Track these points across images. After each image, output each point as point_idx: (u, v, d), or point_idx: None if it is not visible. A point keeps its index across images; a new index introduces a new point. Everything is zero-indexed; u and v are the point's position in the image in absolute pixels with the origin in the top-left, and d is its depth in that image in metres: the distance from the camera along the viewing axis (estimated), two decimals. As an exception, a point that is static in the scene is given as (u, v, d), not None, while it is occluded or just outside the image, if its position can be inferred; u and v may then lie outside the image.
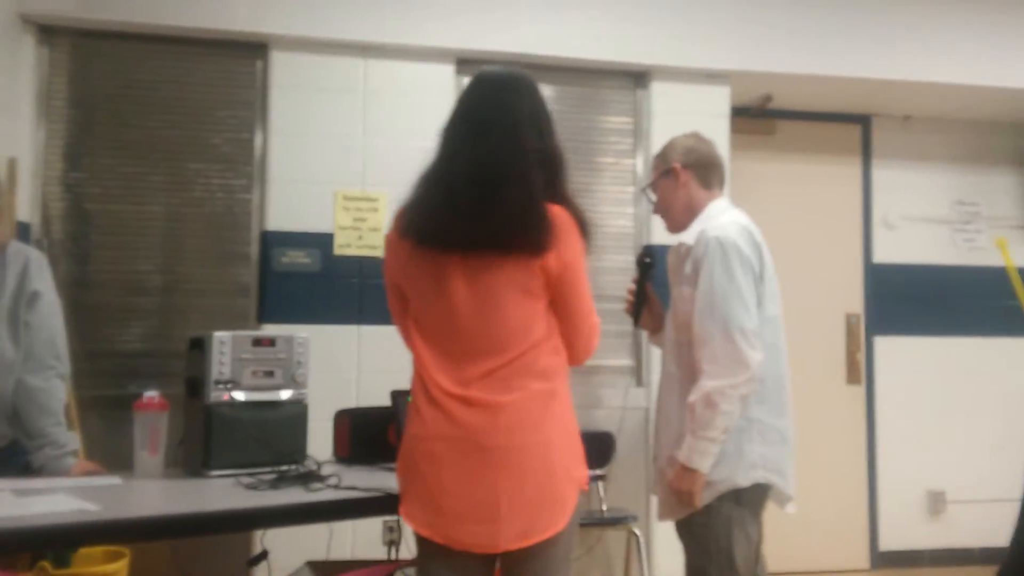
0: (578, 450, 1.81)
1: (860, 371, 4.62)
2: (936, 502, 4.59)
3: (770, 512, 2.33)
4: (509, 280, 1.72)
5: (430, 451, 1.73)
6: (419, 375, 1.80)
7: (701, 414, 2.19)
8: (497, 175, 1.73)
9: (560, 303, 1.79)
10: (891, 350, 4.65)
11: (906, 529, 4.59)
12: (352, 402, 3.40)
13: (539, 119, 1.82)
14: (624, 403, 3.89)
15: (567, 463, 1.76)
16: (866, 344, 4.64)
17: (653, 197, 2.58)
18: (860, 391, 4.62)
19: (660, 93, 4.05)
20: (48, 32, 3.58)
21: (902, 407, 4.61)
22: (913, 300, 4.66)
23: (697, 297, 2.26)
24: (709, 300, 2.23)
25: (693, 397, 2.21)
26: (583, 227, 1.80)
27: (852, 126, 4.74)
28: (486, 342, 1.74)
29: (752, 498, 2.26)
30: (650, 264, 2.61)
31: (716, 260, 2.25)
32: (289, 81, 3.71)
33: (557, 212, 1.75)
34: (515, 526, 1.68)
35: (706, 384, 2.19)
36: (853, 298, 4.66)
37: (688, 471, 2.20)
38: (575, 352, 1.86)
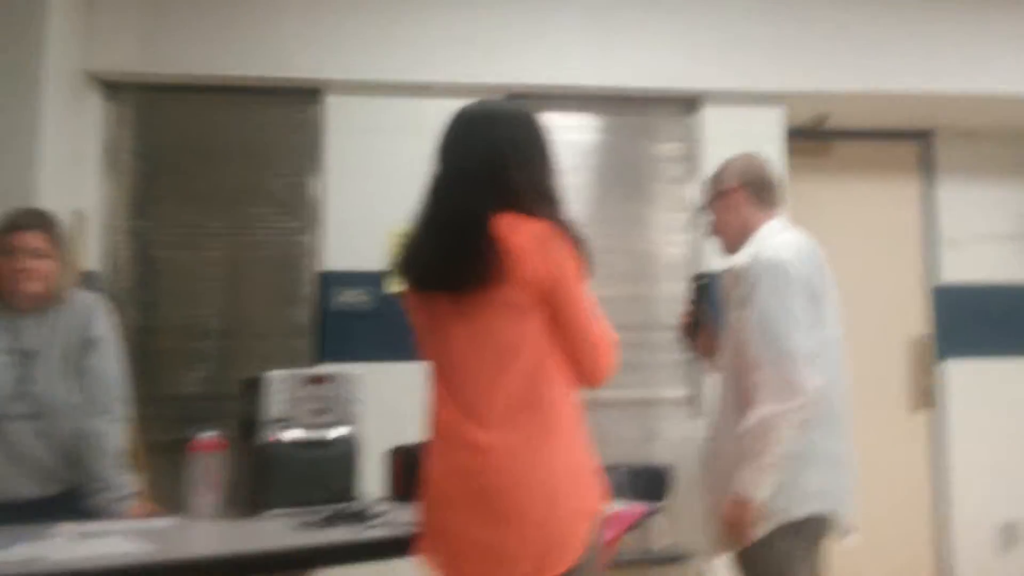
0: (586, 480, 1.75)
1: (929, 396, 4.45)
2: (1011, 534, 4.36)
3: (834, 544, 2.24)
4: (493, 301, 1.70)
5: (440, 492, 1.74)
6: (430, 413, 1.82)
7: (755, 441, 2.13)
8: (445, 217, 1.76)
9: (557, 319, 1.75)
10: (962, 373, 4.45)
11: (979, 563, 4.35)
12: (406, 439, 3.41)
13: (496, 151, 1.78)
14: (682, 434, 3.81)
15: (573, 497, 1.70)
16: (936, 367, 4.47)
17: (709, 218, 2.55)
18: (929, 417, 4.45)
19: (712, 118, 4.01)
20: (113, 88, 3.73)
21: (975, 433, 4.40)
22: (984, 320, 4.47)
23: (751, 320, 2.21)
24: (762, 323, 2.18)
25: (748, 424, 2.14)
26: (573, 241, 1.75)
27: (911, 143, 4.61)
28: (480, 368, 1.73)
29: (810, 530, 2.18)
30: (706, 285, 2.57)
31: (769, 282, 2.20)
32: (343, 124, 3.79)
33: (535, 227, 1.71)
34: (523, 567, 1.65)
35: (761, 410, 2.12)
36: (919, 320, 4.51)
37: (741, 501, 2.14)
38: (581, 372, 1.79)
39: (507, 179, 1.76)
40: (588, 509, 1.73)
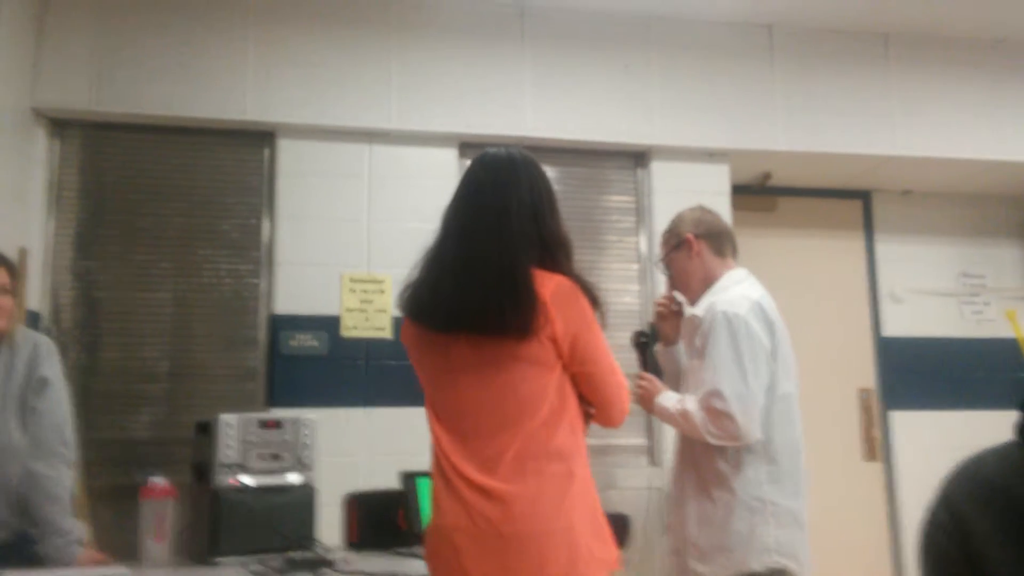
0: (603, 530, 1.76)
1: (877, 447, 4.55)
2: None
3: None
4: (515, 352, 1.70)
5: (451, 543, 1.69)
6: (436, 459, 1.77)
7: (670, 415, 2.36)
8: (482, 261, 1.73)
9: (581, 372, 1.77)
10: (908, 425, 4.57)
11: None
12: (361, 485, 3.34)
13: (536, 202, 1.81)
14: (640, 483, 3.82)
15: (591, 546, 1.70)
16: (882, 419, 4.58)
17: (668, 271, 2.59)
18: (879, 467, 4.54)
19: (660, 172, 4.10)
20: (59, 125, 3.65)
21: (923, 483, 4.46)
22: (926, 374, 4.61)
23: (703, 371, 2.27)
24: (711, 372, 2.23)
25: (680, 407, 2.32)
26: (590, 296, 1.79)
27: (853, 201, 4.79)
28: (496, 418, 1.71)
29: (769, 583, 2.21)
30: (646, 343, 2.62)
31: (722, 334, 2.25)
32: (296, 168, 3.77)
33: (558, 283, 1.73)
34: None
35: (692, 409, 2.27)
36: (865, 372, 4.63)
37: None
38: (609, 416, 1.85)
39: (547, 230, 1.79)
40: (607, 558, 1.73)
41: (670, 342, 2.65)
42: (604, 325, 1.82)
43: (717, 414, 2.20)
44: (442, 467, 1.75)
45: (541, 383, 1.72)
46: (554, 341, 1.70)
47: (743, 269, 2.51)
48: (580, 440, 1.78)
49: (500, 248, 1.73)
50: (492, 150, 1.91)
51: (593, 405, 1.83)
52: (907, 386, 4.60)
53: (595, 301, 1.80)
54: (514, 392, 1.71)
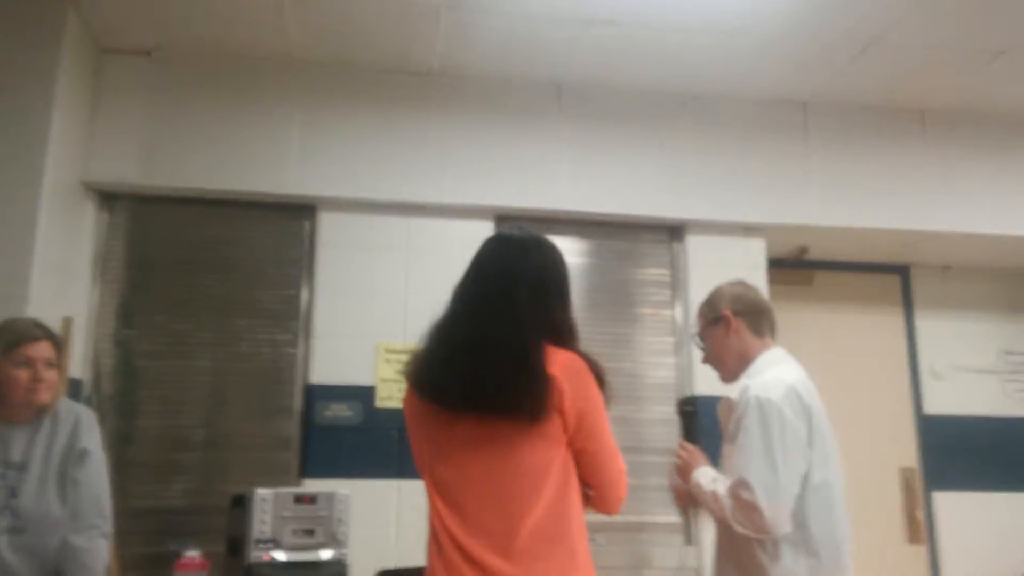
0: None
1: (920, 529, 4.42)
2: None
3: None
4: (526, 429, 1.68)
5: None
6: (435, 533, 1.72)
7: (703, 493, 2.31)
8: (495, 342, 1.72)
9: (586, 451, 1.74)
10: (952, 506, 4.45)
11: None
12: (392, 559, 3.32)
13: (545, 286, 1.81)
14: (675, 562, 3.75)
15: None
16: (925, 500, 4.46)
17: (703, 346, 2.55)
18: (922, 550, 4.40)
19: (696, 245, 4.11)
20: (108, 198, 3.77)
21: (969, 567, 4.35)
22: (969, 453, 4.50)
23: (735, 457, 2.22)
24: (741, 461, 2.19)
25: (712, 488, 2.28)
26: (597, 375, 1.77)
27: (891, 276, 4.75)
28: (503, 493, 1.68)
29: None
30: (692, 412, 2.57)
31: (754, 421, 2.19)
32: (335, 240, 3.84)
33: (569, 358, 1.73)
34: None
35: (722, 494, 2.23)
36: (907, 451, 4.52)
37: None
38: (606, 501, 1.81)
39: (549, 310, 1.79)
40: None
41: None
42: (609, 404, 1.80)
43: (744, 504, 2.14)
44: (440, 541, 1.70)
45: (548, 457, 1.69)
46: (562, 414, 1.69)
47: (780, 349, 2.46)
48: (582, 519, 1.74)
49: (511, 330, 1.73)
50: (505, 231, 1.93)
51: (592, 487, 1.79)
52: (950, 466, 4.49)
53: (601, 381, 1.78)
54: (522, 467, 1.68)
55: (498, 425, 1.69)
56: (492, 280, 1.82)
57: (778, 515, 2.11)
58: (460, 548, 1.67)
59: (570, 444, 1.73)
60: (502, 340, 1.72)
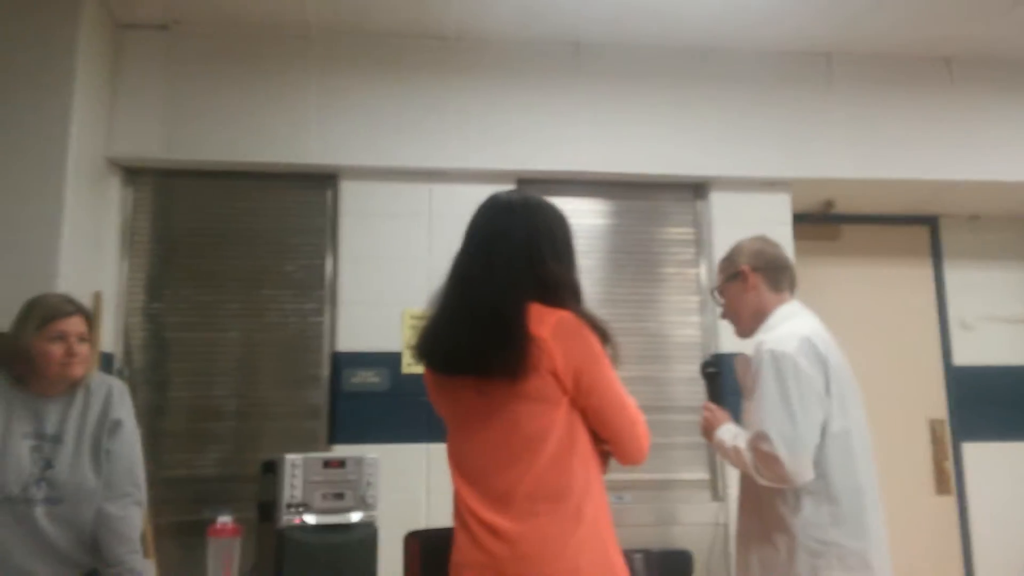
0: (616, 572, 1.72)
1: (949, 480, 4.40)
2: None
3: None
4: (518, 390, 1.70)
5: None
6: (454, 498, 1.79)
7: (726, 450, 2.34)
8: (474, 304, 1.75)
9: (589, 407, 1.76)
10: (980, 457, 4.42)
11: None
12: (422, 522, 3.37)
13: (533, 243, 1.81)
14: (702, 518, 3.77)
15: None
16: (954, 451, 4.44)
17: (721, 301, 2.56)
18: (951, 501, 4.40)
19: (720, 203, 4.08)
20: (133, 173, 3.81)
21: (997, 518, 4.35)
22: (999, 403, 4.46)
23: (754, 411, 2.24)
24: (758, 414, 2.20)
25: (734, 444, 2.31)
26: (597, 330, 1.78)
27: (919, 227, 4.68)
28: (503, 455, 1.72)
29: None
30: (715, 373, 2.58)
31: (769, 375, 2.21)
32: (357, 208, 3.85)
33: (560, 317, 1.73)
34: None
35: (743, 448, 2.25)
36: (936, 403, 4.49)
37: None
38: (623, 452, 1.82)
39: (543, 270, 1.79)
40: None
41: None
42: (615, 359, 1.80)
43: (764, 456, 2.15)
44: (458, 506, 1.77)
45: (547, 419, 1.71)
46: (556, 376, 1.70)
47: (795, 303, 2.46)
48: (593, 478, 1.75)
49: (490, 290, 1.74)
50: (501, 193, 1.92)
51: (606, 441, 1.81)
52: (979, 417, 4.45)
53: (603, 335, 1.79)
54: (519, 429, 1.71)
55: (493, 388, 1.72)
56: (477, 244, 1.84)
57: (798, 465, 2.13)
58: (471, 510, 1.72)
59: (574, 404, 1.74)
60: (480, 301, 1.74)
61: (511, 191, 1.94)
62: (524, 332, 1.69)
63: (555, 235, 1.86)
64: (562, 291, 1.80)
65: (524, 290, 1.75)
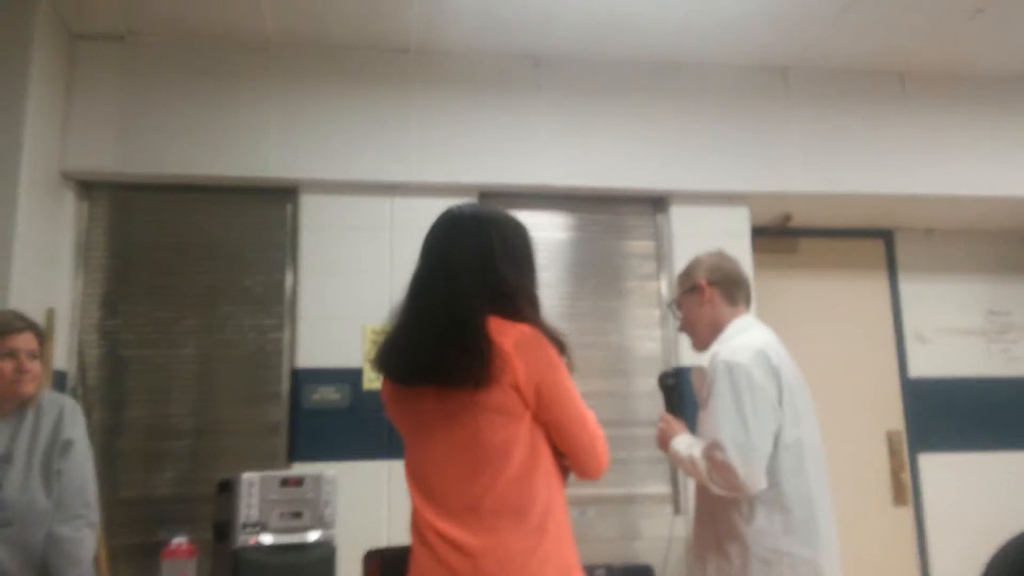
0: None
1: (906, 491, 4.46)
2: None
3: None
4: (480, 402, 1.69)
5: None
6: (412, 513, 1.77)
7: (681, 460, 2.36)
8: (432, 314, 1.75)
9: (549, 421, 1.76)
10: (937, 467, 4.49)
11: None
12: (383, 540, 3.34)
13: (485, 252, 1.81)
14: (664, 532, 3.78)
15: None
16: (911, 462, 4.50)
17: (679, 314, 2.60)
18: (908, 512, 4.45)
19: (680, 216, 4.10)
20: (87, 187, 3.74)
21: (953, 528, 4.40)
22: (954, 414, 4.54)
23: (707, 421, 2.27)
24: (712, 423, 2.23)
25: (689, 453, 2.33)
26: (556, 342, 1.78)
27: (875, 241, 4.75)
28: (466, 469, 1.70)
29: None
30: (673, 386, 2.60)
31: (723, 384, 2.25)
32: (318, 222, 3.82)
33: (521, 331, 1.73)
34: None
35: (698, 457, 2.27)
36: (893, 414, 4.55)
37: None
38: (582, 467, 1.82)
39: (497, 278, 1.78)
40: None
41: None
42: (572, 370, 1.80)
43: (718, 465, 2.18)
44: (416, 522, 1.75)
45: (509, 433, 1.70)
46: (517, 389, 1.70)
47: (750, 316, 2.50)
48: (555, 493, 1.75)
49: (448, 300, 1.75)
50: (449, 209, 1.92)
51: (566, 456, 1.80)
52: (935, 428, 4.52)
53: (561, 347, 1.79)
54: (482, 443, 1.70)
55: (455, 399, 1.71)
56: (433, 257, 1.84)
57: (752, 473, 2.16)
58: (432, 526, 1.70)
59: (535, 418, 1.74)
60: (440, 312, 1.74)
61: (465, 204, 1.94)
62: (486, 339, 1.69)
63: (509, 245, 1.85)
64: (518, 300, 1.79)
65: (481, 299, 1.75)
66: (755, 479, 2.17)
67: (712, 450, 2.20)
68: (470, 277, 1.77)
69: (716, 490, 2.22)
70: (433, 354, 1.72)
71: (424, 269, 1.85)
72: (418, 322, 1.77)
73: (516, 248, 1.86)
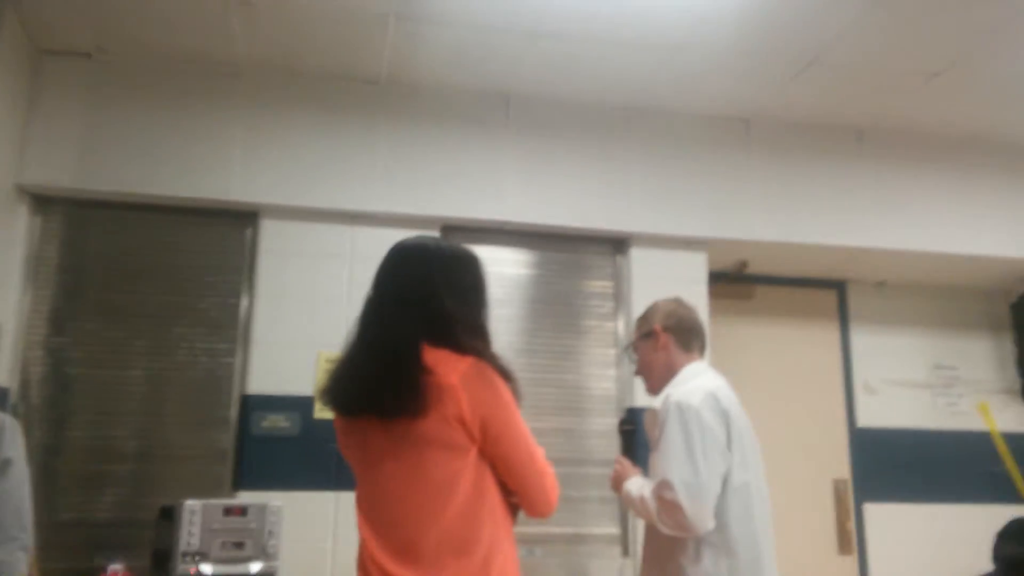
0: None
1: (851, 540, 4.50)
2: None
3: None
4: (426, 437, 1.68)
5: None
6: (359, 547, 1.75)
7: (632, 500, 2.36)
8: (369, 344, 1.76)
9: (497, 456, 1.74)
10: (882, 517, 4.54)
11: None
12: (327, 573, 3.29)
13: (428, 281, 1.80)
14: (612, 574, 3.76)
15: None
16: (856, 511, 4.55)
17: (634, 357, 2.63)
18: (852, 561, 4.48)
19: (639, 258, 4.15)
20: (42, 202, 3.68)
21: (895, 578, 4.46)
22: (900, 465, 4.61)
23: (658, 460, 2.28)
24: (662, 463, 2.25)
25: (640, 494, 2.32)
26: (502, 374, 1.77)
27: (828, 291, 4.84)
28: (410, 505, 1.69)
29: None
30: (632, 431, 2.61)
31: (674, 425, 2.28)
32: (277, 247, 3.79)
33: (469, 364, 1.71)
34: None
35: (648, 497, 2.27)
36: (839, 464, 4.60)
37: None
38: (531, 504, 1.80)
39: (438, 307, 1.78)
40: None
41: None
42: (519, 402, 1.78)
43: (667, 504, 2.20)
44: (362, 556, 1.73)
45: (453, 468, 1.69)
46: (463, 423, 1.68)
47: (703, 363, 2.55)
48: (501, 531, 1.73)
49: (387, 329, 1.75)
50: (399, 241, 1.92)
51: (514, 492, 1.78)
52: (881, 478, 4.59)
53: (507, 377, 1.78)
54: (426, 478, 1.68)
55: (399, 432, 1.70)
56: (379, 288, 1.85)
57: (700, 513, 2.17)
58: (375, 561, 1.68)
59: (482, 453, 1.72)
60: (375, 340, 1.75)
61: (416, 237, 1.94)
62: (419, 367, 1.68)
63: (452, 275, 1.84)
64: (457, 329, 1.77)
65: (418, 329, 1.75)
66: (703, 519, 2.19)
67: (661, 489, 2.22)
68: (409, 307, 1.77)
69: (665, 530, 2.23)
70: (368, 384, 1.72)
71: (370, 300, 1.85)
72: (357, 354, 1.77)
73: (459, 278, 1.86)
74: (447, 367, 1.70)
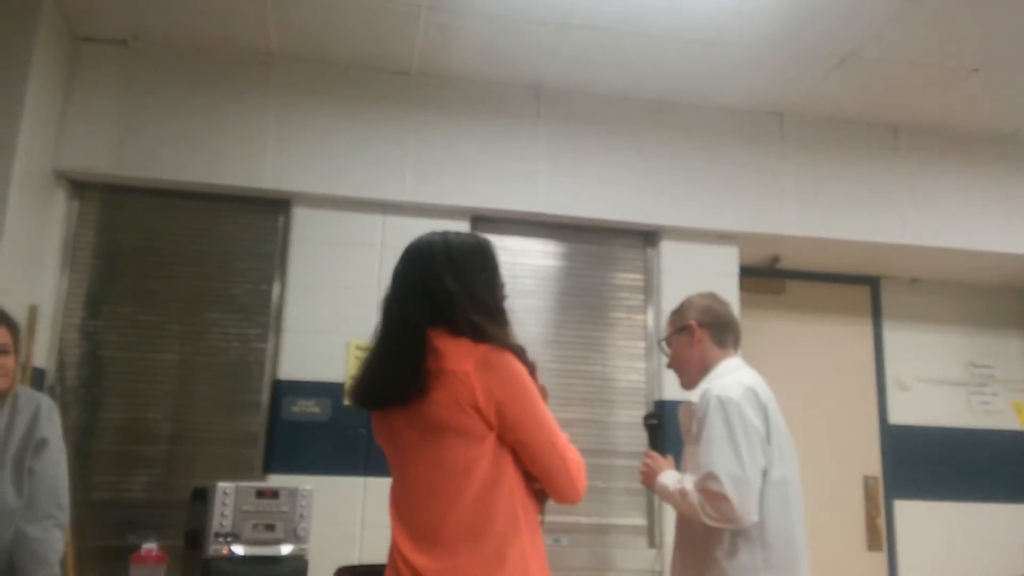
0: None
1: (880, 537, 4.47)
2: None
3: None
4: (441, 424, 1.68)
5: None
6: (391, 535, 1.77)
7: (670, 494, 2.33)
8: (385, 335, 1.78)
9: (516, 442, 1.72)
10: (912, 515, 4.50)
11: None
12: (355, 557, 3.32)
13: (431, 269, 1.80)
14: (638, 565, 3.76)
15: None
16: (886, 508, 4.51)
17: (668, 351, 2.61)
18: (882, 557, 4.45)
19: (670, 251, 4.13)
20: (80, 187, 3.74)
21: (925, 574, 4.41)
22: (931, 463, 4.56)
23: (699, 455, 2.27)
24: (706, 455, 2.24)
25: (679, 487, 2.30)
26: (521, 359, 1.75)
27: (861, 287, 4.80)
28: (427, 492, 1.70)
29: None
30: (656, 425, 2.61)
31: (716, 418, 2.26)
32: (309, 235, 3.82)
33: (484, 351, 1.70)
34: None
35: (690, 489, 2.25)
36: (870, 460, 4.56)
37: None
38: (556, 490, 1.76)
39: (440, 289, 1.77)
40: None
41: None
42: (537, 386, 1.76)
43: (713, 496, 2.19)
44: (391, 543, 1.74)
45: (469, 455, 1.68)
46: (477, 410, 1.67)
47: (738, 358, 2.54)
48: (522, 519, 1.71)
49: (396, 316, 1.78)
50: (417, 237, 1.92)
51: (537, 478, 1.76)
52: (912, 475, 4.54)
53: (523, 360, 1.76)
54: (443, 465, 1.69)
55: (419, 421, 1.71)
56: (392, 285, 1.86)
57: (746, 504, 2.17)
58: (399, 550, 1.70)
59: (502, 440, 1.71)
60: (393, 328, 1.78)
61: (432, 232, 1.93)
62: (415, 348, 1.70)
63: (456, 257, 1.82)
64: (467, 308, 1.76)
65: (420, 311, 1.76)
66: (748, 511, 2.18)
67: (707, 481, 2.21)
68: (415, 295, 1.79)
69: (709, 522, 2.22)
70: (378, 375, 1.75)
71: (386, 298, 1.87)
72: (375, 349, 1.80)
73: (464, 261, 1.83)
74: (461, 355, 1.69)
